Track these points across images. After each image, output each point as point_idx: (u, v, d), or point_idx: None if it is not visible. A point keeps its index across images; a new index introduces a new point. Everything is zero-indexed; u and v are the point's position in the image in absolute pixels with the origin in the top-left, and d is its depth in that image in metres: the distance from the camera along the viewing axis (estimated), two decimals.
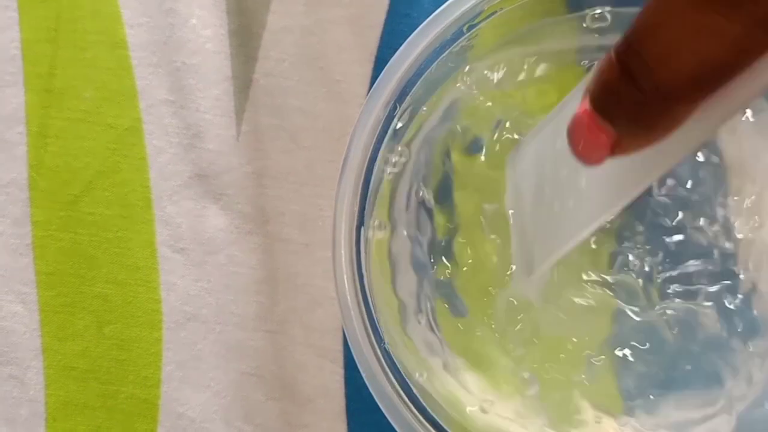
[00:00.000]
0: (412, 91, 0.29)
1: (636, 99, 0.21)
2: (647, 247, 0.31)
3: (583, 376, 0.31)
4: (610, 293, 0.31)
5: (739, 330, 0.31)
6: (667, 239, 0.31)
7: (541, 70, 0.31)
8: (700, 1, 0.20)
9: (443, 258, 0.31)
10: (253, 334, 0.35)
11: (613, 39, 0.30)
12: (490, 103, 0.31)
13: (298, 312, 0.34)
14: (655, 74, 0.21)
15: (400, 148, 0.30)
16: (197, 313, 0.35)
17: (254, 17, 0.35)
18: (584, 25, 0.30)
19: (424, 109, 0.30)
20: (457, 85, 0.31)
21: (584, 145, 0.23)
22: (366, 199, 0.29)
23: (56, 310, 0.35)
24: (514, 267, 0.31)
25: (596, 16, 0.30)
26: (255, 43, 0.35)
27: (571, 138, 0.23)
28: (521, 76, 0.31)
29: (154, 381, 0.35)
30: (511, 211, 0.31)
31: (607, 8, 0.30)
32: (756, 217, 0.31)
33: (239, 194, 0.35)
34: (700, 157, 0.31)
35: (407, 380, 0.29)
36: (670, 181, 0.31)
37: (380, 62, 0.34)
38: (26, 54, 0.35)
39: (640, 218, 0.31)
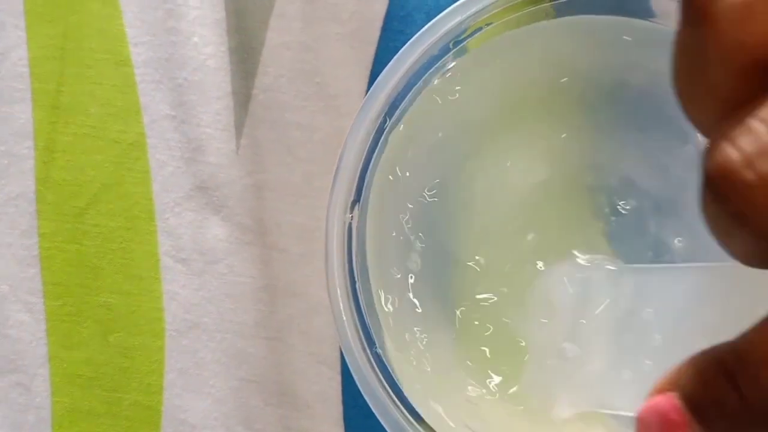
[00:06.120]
0: (402, 104, 0.30)
1: (743, 417, 0.20)
2: None
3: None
4: None
5: None
6: None
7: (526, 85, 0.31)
8: None
9: None
10: (252, 341, 0.35)
11: (601, 52, 0.31)
12: None
13: (296, 320, 0.35)
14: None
15: None
16: (198, 321, 0.35)
17: (253, 34, 0.35)
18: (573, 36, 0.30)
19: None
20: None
21: None
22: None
23: (62, 319, 0.36)
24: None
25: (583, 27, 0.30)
26: (254, 59, 0.35)
27: (644, 425, 0.21)
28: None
29: (157, 388, 0.35)
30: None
31: (595, 17, 0.30)
32: None
33: (239, 206, 0.35)
34: None
35: (400, 385, 0.30)
36: None
37: (375, 77, 0.34)
38: (34, 71, 0.36)
39: None
